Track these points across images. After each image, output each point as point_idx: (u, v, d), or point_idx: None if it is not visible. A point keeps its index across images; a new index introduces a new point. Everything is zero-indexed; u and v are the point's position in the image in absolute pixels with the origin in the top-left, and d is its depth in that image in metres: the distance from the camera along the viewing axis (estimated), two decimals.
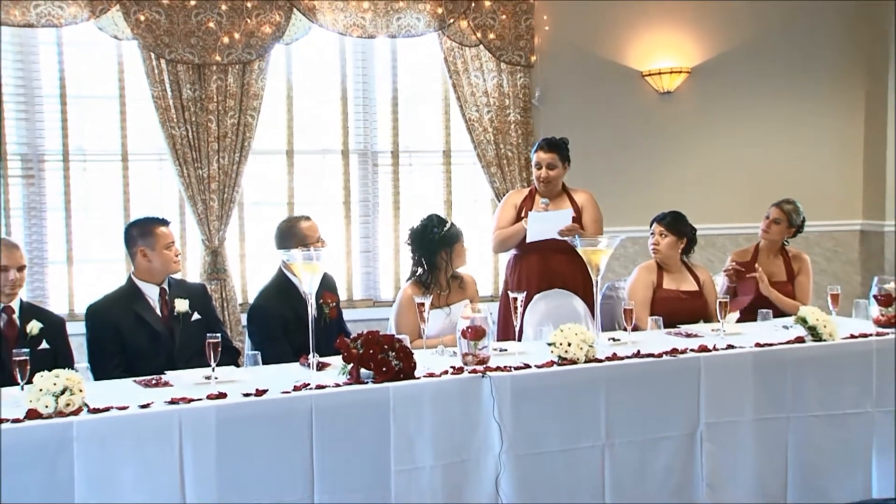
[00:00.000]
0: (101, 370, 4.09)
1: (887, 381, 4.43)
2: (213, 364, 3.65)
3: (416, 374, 3.67)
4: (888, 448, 4.45)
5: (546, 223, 4.93)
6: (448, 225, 4.72)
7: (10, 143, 5.63)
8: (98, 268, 5.80)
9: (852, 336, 4.47)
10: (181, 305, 4.23)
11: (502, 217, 5.20)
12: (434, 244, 4.66)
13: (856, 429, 4.40)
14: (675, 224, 5.03)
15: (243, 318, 5.30)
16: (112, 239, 5.66)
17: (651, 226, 5.09)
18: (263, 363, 3.93)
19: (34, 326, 4.04)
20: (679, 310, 4.86)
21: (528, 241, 4.98)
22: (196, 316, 4.27)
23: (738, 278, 5.18)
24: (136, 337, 4.14)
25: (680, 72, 6.57)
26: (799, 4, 6.80)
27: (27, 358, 3.44)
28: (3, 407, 3.32)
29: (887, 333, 4.51)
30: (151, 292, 4.24)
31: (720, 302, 4.54)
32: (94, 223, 5.84)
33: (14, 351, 3.52)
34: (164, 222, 4.33)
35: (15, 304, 4.09)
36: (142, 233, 4.24)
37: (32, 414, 3.19)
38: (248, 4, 5.72)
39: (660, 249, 5.02)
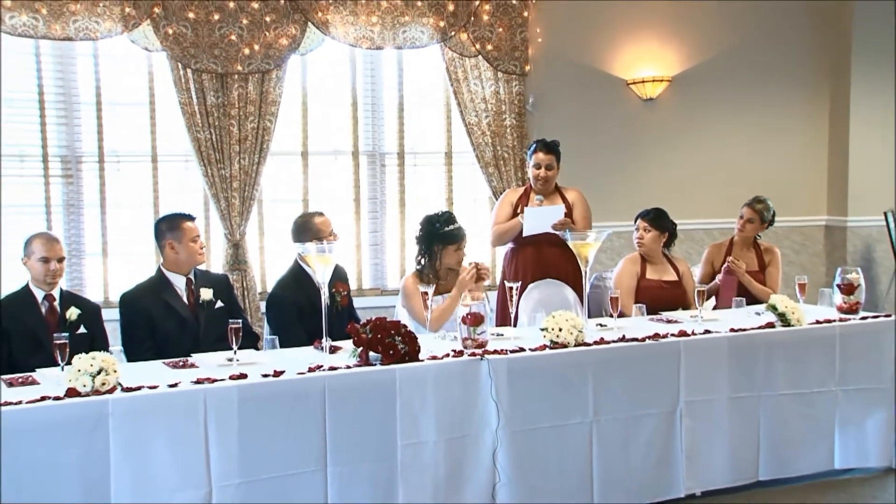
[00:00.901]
0: (134, 353, 4.10)
1: (849, 362, 4.44)
2: (234, 347, 3.66)
3: (420, 356, 3.68)
4: (849, 423, 4.46)
5: (541, 218, 4.93)
6: (454, 226, 4.68)
7: (51, 145, 5.63)
8: (130, 259, 5.79)
9: (818, 322, 4.48)
10: (206, 294, 4.24)
11: (500, 213, 5.20)
12: (432, 236, 4.66)
13: (820, 406, 4.41)
14: (658, 220, 5.03)
15: (262, 306, 5.28)
16: (143, 233, 5.65)
17: (636, 221, 5.10)
18: (280, 347, 3.95)
19: (73, 313, 4.07)
20: (660, 298, 4.87)
21: (524, 234, 4.98)
22: (219, 304, 4.28)
23: (725, 279, 5.18)
24: (164, 323, 4.15)
25: (661, 80, 6.56)
26: (768, 20, 6.79)
27: (67, 341, 3.46)
28: (46, 385, 3.34)
29: (849, 319, 4.53)
30: (179, 282, 4.25)
31: (698, 291, 4.56)
32: (127, 219, 5.84)
33: (55, 335, 3.53)
34: (191, 218, 4.33)
35: (56, 293, 4.12)
36: (170, 227, 4.25)
37: (72, 392, 3.21)
38: (267, 19, 5.72)
39: (644, 243, 5.03)
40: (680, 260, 5.20)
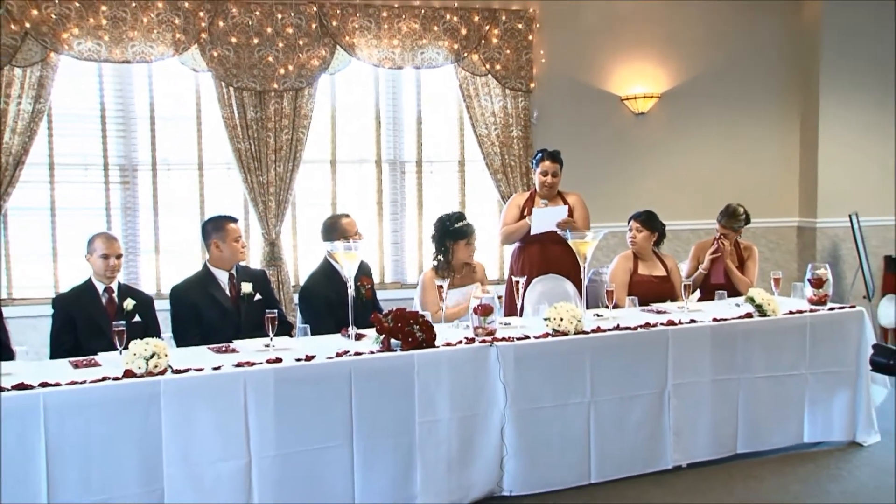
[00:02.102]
0: (182, 339, 4.12)
1: (818, 348, 4.43)
2: (271, 335, 3.67)
3: (436, 343, 3.68)
4: (817, 402, 4.45)
5: (546, 218, 4.92)
6: (463, 223, 4.68)
7: (111, 155, 5.65)
8: (179, 256, 5.80)
9: (791, 312, 4.47)
10: (246, 287, 4.25)
11: (508, 215, 5.19)
12: (444, 233, 4.66)
13: (792, 387, 4.40)
14: (649, 221, 5.01)
15: (296, 298, 5.28)
16: (190, 232, 5.68)
17: (629, 222, 5.07)
18: (311, 334, 3.96)
19: (129, 303, 4.09)
20: (651, 291, 4.85)
21: (532, 233, 4.96)
22: (258, 296, 4.29)
23: (711, 264, 5.14)
24: (209, 313, 4.17)
25: (651, 97, 6.53)
26: (746, 43, 6.76)
27: (124, 328, 3.48)
28: (106, 367, 3.36)
29: (818, 310, 4.52)
30: (222, 277, 4.26)
31: (684, 285, 4.55)
32: (176, 220, 5.85)
33: (114, 323, 3.56)
34: (234, 220, 4.34)
35: (114, 286, 4.14)
36: (216, 228, 4.26)
37: (128, 373, 3.22)
38: (300, 42, 5.72)
39: (636, 242, 5.00)
40: (668, 257, 5.18)
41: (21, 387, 3.08)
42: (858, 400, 4.52)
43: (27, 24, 5.16)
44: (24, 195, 5.45)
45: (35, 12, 5.18)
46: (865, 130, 6.82)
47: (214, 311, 4.17)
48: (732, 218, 5.12)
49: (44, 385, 3.11)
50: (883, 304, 6.60)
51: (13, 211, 5.46)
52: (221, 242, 4.22)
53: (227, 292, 4.23)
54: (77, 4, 5.26)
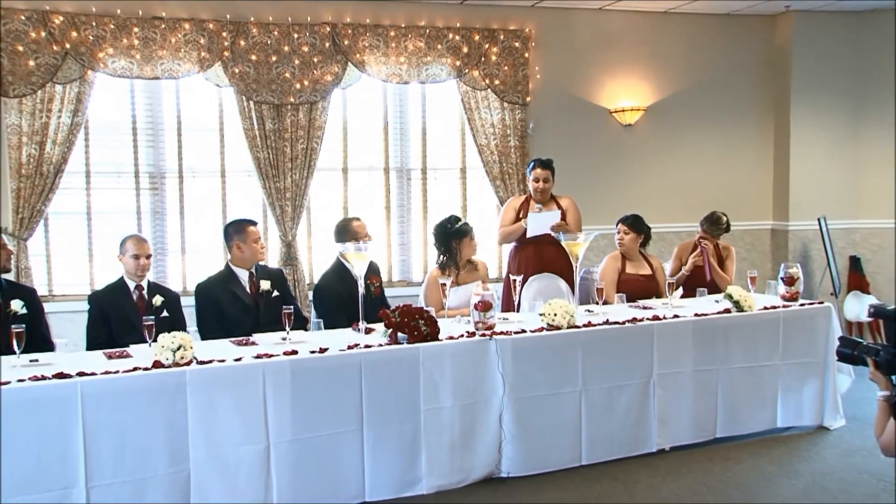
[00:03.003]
0: (206, 332, 4.11)
1: (790, 340, 4.43)
2: (287, 329, 3.67)
3: (440, 337, 3.67)
4: (789, 390, 4.45)
5: (541, 221, 4.91)
6: (461, 223, 4.69)
7: (142, 164, 5.65)
8: (203, 256, 5.80)
9: (765, 308, 4.47)
10: (265, 285, 4.24)
11: (505, 217, 5.18)
12: (448, 235, 4.65)
13: (766, 376, 4.40)
14: (636, 224, 4.99)
15: (310, 294, 5.30)
16: (214, 234, 5.69)
17: (617, 225, 5.05)
18: (325, 328, 3.95)
19: (158, 300, 4.08)
20: (638, 289, 4.83)
21: (528, 236, 4.95)
22: (275, 293, 4.28)
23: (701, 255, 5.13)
24: (231, 308, 4.16)
25: (638, 109, 6.51)
26: (725, 60, 6.74)
27: (153, 323, 3.49)
28: (137, 358, 3.36)
29: (790, 306, 4.52)
30: (243, 275, 4.25)
31: (668, 283, 4.54)
32: (201, 223, 5.85)
33: (143, 318, 3.56)
34: (253, 223, 4.33)
35: (144, 283, 4.15)
36: (237, 230, 4.25)
37: (157, 364, 3.22)
38: (315, 59, 5.71)
39: (624, 243, 4.98)
40: (653, 257, 5.16)
41: (61, 376, 3.10)
42: (826, 388, 4.51)
43: (67, 45, 5.19)
44: (64, 201, 5.46)
45: (75, 34, 5.20)
46: (833, 141, 6.82)
47: (235, 307, 4.16)
48: (715, 225, 5.12)
49: (81, 374, 3.12)
50: (848, 300, 6.62)
51: (53, 215, 5.47)
52: (243, 244, 4.22)
53: (248, 290, 4.23)
54: (112, 26, 5.28)
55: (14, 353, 3.29)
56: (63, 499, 3.01)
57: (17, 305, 3.76)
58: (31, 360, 3.34)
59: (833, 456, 4.15)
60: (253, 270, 4.27)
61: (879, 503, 3.55)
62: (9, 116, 5.18)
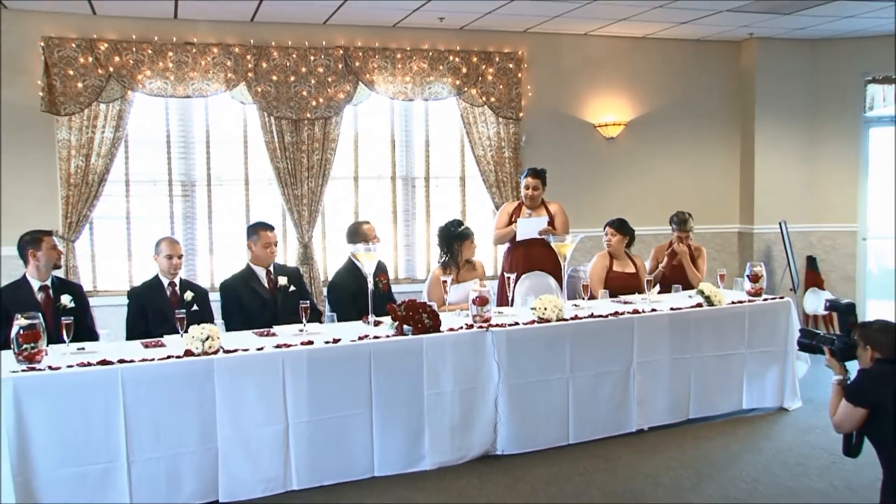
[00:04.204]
0: (231, 325, 4.11)
1: (754, 331, 4.43)
2: (304, 321, 3.68)
3: (441, 329, 3.67)
4: (754, 376, 4.45)
5: (530, 226, 4.90)
6: (463, 227, 4.69)
7: (175, 173, 5.65)
8: (229, 256, 5.79)
9: (733, 303, 4.47)
10: (282, 280, 4.23)
11: (500, 221, 5.16)
12: (451, 237, 4.64)
13: (734, 364, 4.40)
14: (622, 227, 4.98)
15: (325, 290, 5.29)
16: (239, 237, 5.65)
17: (604, 228, 5.03)
18: (338, 321, 3.94)
19: (189, 295, 4.09)
20: (623, 285, 4.82)
21: (517, 239, 4.94)
22: (292, 288, 4.28)
23: (669, 260, 5.12)
24: (251, 302, 4.15)
25: (620, 124, 6.49)
26: (697, 80, 6.71)
27: (184, 316, 3.49)
28: (170, 347, 3.36)
29: (755, 300, 4.52)
30: (261, 273, 4.24)
31: (648, 280, 4.53)
32: (227, 226, 5.83)
33: (176, 311, 3.57)
34: (268, 227, 4.30)
35: (176, 281, 4.15)
36: (252, 232, 4.24)
37: (188, 353, 3.23)
38: (329, 79, 5.71)
39: (612, 244, 4.97)
40: (637, 256, 5.14)
41: (104, 362, 3.12)
42: (786, 374, 4.51)
43: (111, 69, 5.23)
44: (106, 207, 5.46)
45: (117, 58, 5.23)
46: (792, 154, 6.82)
47: (255, 301, 4.16)
48: (685, 223, 5.13)
49: (122, 361, 3.14)
50: (807, 296, 6.62)
51: (97, 219, 5.47)
52: (254, 245, 4.22)
53: (266, 286, 4.22)
54: (150, 52, 5.29)
55: (63, 342, 3.31)
56: (108, 471, 3.05)
57: (66, 300, 3.78)
58: (78, 349, 3.36)
59: (791, 434, 4.16)
60: (270, 268, 4.27)
61: (830, 475, 3.55)
62: (59, 132, 5.21)
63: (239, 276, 4.25)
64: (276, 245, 4.27)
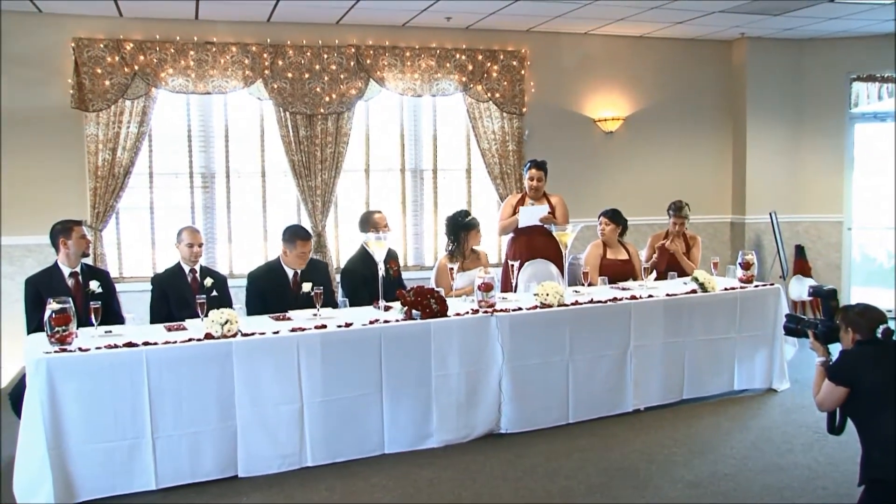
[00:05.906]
0: (252, 310, 4.05)
1: (745, 316, 4.40)
2: (318, 306, 3.65)
3: (448, 313, 3.66)
4: (744, 358, 4.43)
5: (531, 215, 4.86)
6: (470, 217, 4.66)
7: (195, 165, 5.62)
8: (247, 244, 5.78)
9: (725, 289, 4.43)
10: (306, 287, 3.92)
11: (504, 212, 5.13)
12: (458, 226, 4.62)
13: (725, 347, 4.37)
14: (615, 217, 4.94)
15: (338, 277, 5.27)
16: (256, 225, 5.68)
17: (599, 218, 5.00)
18: (350, 306, 3.93)
19: (208, 281, 4.07)
20: (617, 272, 4.79)
21: (520, 226, 4.91)
22: (314, 293, 4.02)
23: (660, 253, 5.08)
24: (273, 294, 4.04)
25: (618, 119, 6.43)
26: (692, 78, 6.64)
27: (204, 301, 3.48)
28: (191, 330, 3.35)
29: (746, 287, 4.48)
30: (290, 272, 4.10)
31: (644, 268, 4.50)
32: (245, 216, 5.80)
33: (196, 296, 3.56)
34: (308, 238, 4.11)
35: (197, 268, 4.13)
36: (289, 239, 4.09)
37: (208, 336, 3.23)
38: (342, 76, 5.66)
39: (605, 233, 4.93)
40: (630, 244, 5.10)
41: (130, 345, 3.12)
42: (774, 356, 4.49)
43: (136, 67, 5.22)
44: (131, 198, 5.45)
45: (142, 57, 5.22)
46: (781, 148, 6.75)
47: (276, 292, 4.03)
48: (680, 210, 5.09)
49: (146, 344, 3.14)
50: (793, 282, 6.58)
51: (123, 210, 5.47)
52: (290, 251, 4.07)
53: (290, 285, 4.08)
54: (172, 51, 5.27)
55: (92, 325, 3.31)
56: (134, 446, 3.06)
57: (94, 285, 3.77)
58: (105, 332, 3.36)
59: (779, 413, 4.14)
60: (298, 271, 4.11)
61: (814, 451, 3.53)
62: (88, 128, 5.20)
63: (267, 269, 4.11)
64: (309, 253, 4.12)
